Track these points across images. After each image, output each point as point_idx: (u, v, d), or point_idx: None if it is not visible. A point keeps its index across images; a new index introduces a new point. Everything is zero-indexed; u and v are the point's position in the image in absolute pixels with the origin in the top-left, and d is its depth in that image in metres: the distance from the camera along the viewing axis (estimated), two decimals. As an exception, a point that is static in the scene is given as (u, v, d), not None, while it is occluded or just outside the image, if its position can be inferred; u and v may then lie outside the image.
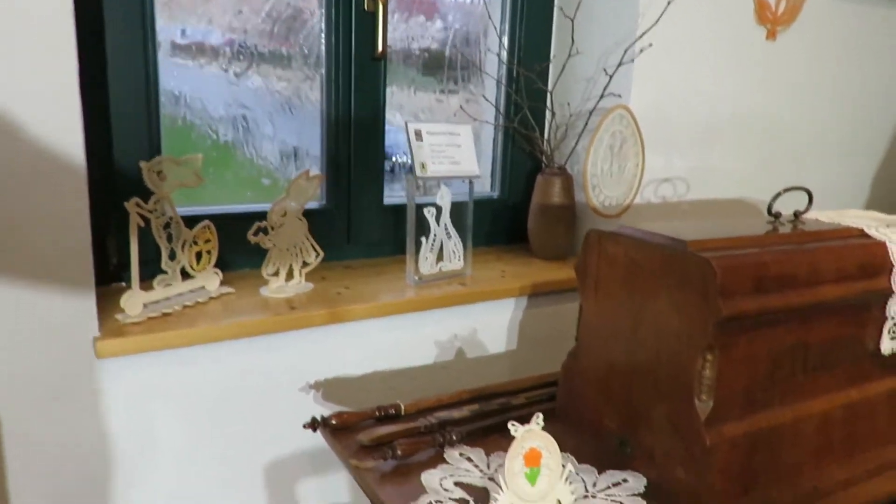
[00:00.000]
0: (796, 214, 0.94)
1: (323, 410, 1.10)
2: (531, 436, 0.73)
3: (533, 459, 0.73)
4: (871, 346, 0.89)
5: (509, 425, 0.72)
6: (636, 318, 0.83)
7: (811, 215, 0.97)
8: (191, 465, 1.04)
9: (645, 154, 1.34)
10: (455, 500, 0.75)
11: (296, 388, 1.09)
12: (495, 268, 1.33)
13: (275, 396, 1.07)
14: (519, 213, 1.49)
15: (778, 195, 0.90)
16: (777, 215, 0.92)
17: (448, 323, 1.21)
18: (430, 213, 1.20)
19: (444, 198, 1.21)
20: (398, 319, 1.16)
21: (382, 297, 1.13)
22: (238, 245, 1.12)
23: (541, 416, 0.73)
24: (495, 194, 1.51)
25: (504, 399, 0.99)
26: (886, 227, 0.93)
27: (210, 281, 1.10)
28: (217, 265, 1.11)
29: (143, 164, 0.97)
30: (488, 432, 0.91)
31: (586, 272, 0.90)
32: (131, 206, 0.95)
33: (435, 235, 1.21)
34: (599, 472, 0.81)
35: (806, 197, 0.93)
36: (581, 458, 0.84)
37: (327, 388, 1.11)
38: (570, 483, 0.74)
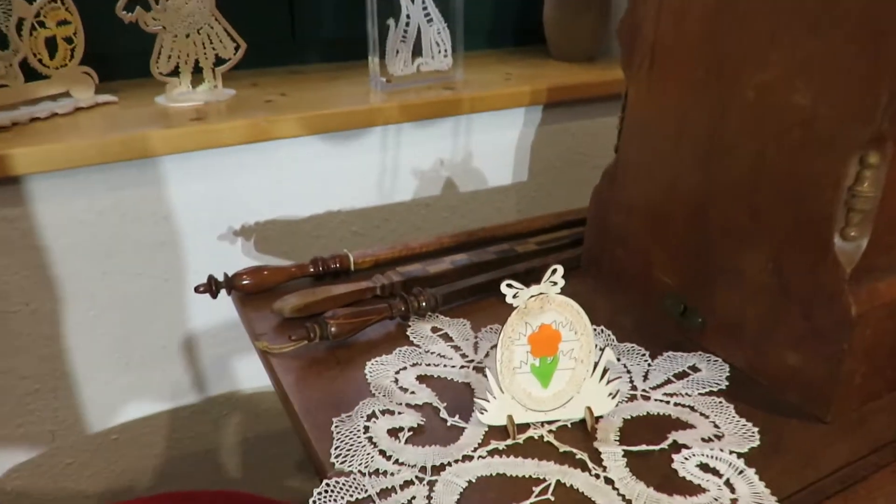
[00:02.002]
0: None
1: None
2: (542, 305, 0.41)
3: (545, 344, 0.42)
4: None
5: (503, 287, 0.41)
6: (723, 102, 0.48)
7: None
8: (64, 341, 0.76)
9: None
10: (415, 407, 0.45)
11: (213, 234, 0.78)
12: (497, 70, 0.96)
13: (181, 247, 0.77)
14: (532, 4, 1.09)
15: None
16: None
17: (431, 144, 0.87)
18: (399, -17, 0.82)
19: (420, -42, 0.83)
20: (358, 138, 0.82)
21: (333, 105, 0.79)
22: (131, 40, 0.76)
23: (559, 269, 0.41)
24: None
25: (505, 245, 0.68)
26: None
27: (78, 85, 0.76)
28: (101, 70, 0.77)
29: None
30: (480, 296, 0.60)
31: (635, 34, 0.54)
32: None
33: (408, 18, 0.84)
34: (652, 357, 0.51)
35: None
36: (623, 334, 0.54)
37: (261, 236, 0.80)
38: (609, 379, 0.44)
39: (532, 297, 0.41)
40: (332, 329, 0.51)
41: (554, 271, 0.41)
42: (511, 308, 0.41)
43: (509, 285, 0.41)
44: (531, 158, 0.94)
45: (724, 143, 0.49)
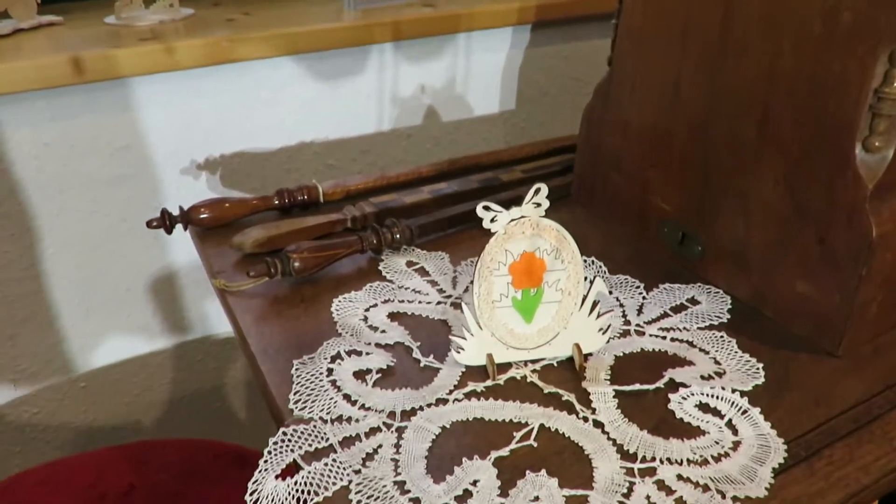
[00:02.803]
0: None
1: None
2: (524, 230, 0.36)
3: (528, 274, 0.37)
4: None
5: (479, 210, 0.36)
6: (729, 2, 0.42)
7: None
8: (20, 285, 0.71)
9: None
10: (385, 347, 0.41)
11: (176, 168, 0.72)
12: (483, -14, 0.89)
13: (140, 182, 0.71)
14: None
15: None
16: None
17: (410, 68, 0.80)
18: None
19: None
20: (331, 61, 0.75)
21: (301, 24, 0.72)
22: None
23: (544, 188, 0.36)
24: None
25: (489, 174, 0.62)
26: None
27: (17, 4, 0.69)
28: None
29: None
30: (460, 227, 0.55)
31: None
32: None
33: (383, -74, 0.76)
34: (647, 289, 0.46)
35: None
36: (616, 265, 0.49)
37: (228, 169, 0.75)
38: (599, 313, 0.39)
39: (512, 220, 0.36)
40: (296, 264, 0.46)
41: (537, 191, 0.36)
42: (490, 234, 0.36)
43: (486, 208, 0.36)
44: (520, 84, 0.88)
45: (733, 44, 0.43)
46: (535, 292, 0.38)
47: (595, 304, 0.39)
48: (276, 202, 0.57)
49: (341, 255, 0.49)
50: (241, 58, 0.68)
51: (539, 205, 0.36)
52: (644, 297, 0.46)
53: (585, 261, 0.49)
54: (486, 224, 0.36)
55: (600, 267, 0.49)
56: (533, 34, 0.86)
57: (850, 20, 0.36)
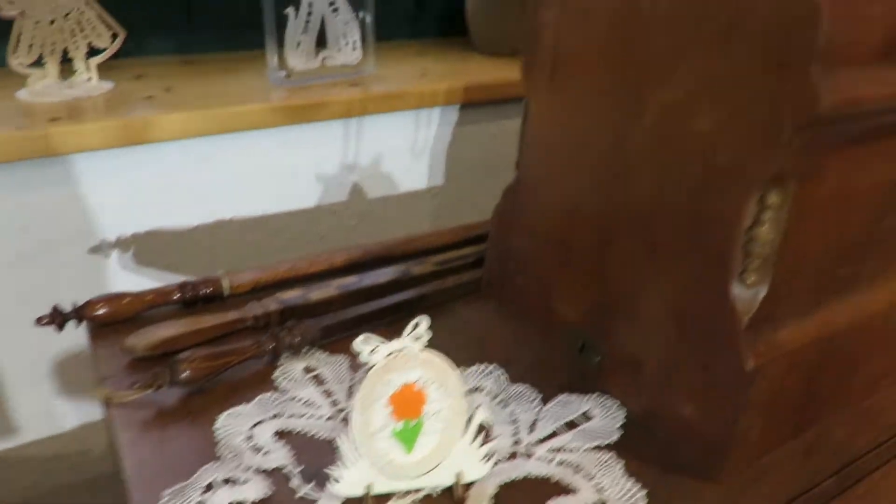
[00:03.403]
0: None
1: (131, 282, 0.72)
2: (404, 362, 0.36)
3: (409, 406, 0.37)
4: None
5: (357, 343, 0.35)
6: (625, 122, 0.43)
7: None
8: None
9: None
10: (265, 473, 0.40)
11: (82, 248, 0.70)
12: (415, 64, 0.90)
13: (42, 263, 0.69)
14: (457, -8, 1.03)
15: None
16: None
17: (336, 146, 0.81)
18: (298, -31, 0.75)
19: (322, -58, 0.76)
20: (254, 138, 0.75)
21: (222, 104, 0.71)
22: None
23: (424, 321, 0.36)
24: (422, -40, 1.03)
25: (402, 267, 0.62)
26: None
27: (-78, 76, 0.67)
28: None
29: None
30: (366, 326, 0.54)
31: (537, 40, 0.49)
32: None
33: (311, 8, 0.77)
34: (545, 400, 0.46)
35: None
36: (518, 371, 0.49)
37: (141, 248, 0.73)
38: (484, 439, 0.39)
39: (391, 355, 0.36)
40: (185, 374, 0.45)
41: (416, 325, 0.36)
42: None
43: (366, 341, 0.35)
44: (448, 161, 0.89)
45: (624, 168, 0.44)
46: (415, 422, 0.37)
47: (481, 428, 0.39)
48: (178, 296, 0.55)
49: (234, 362, 0.47)
50: (158, 139, 0.67)
51: (422, 336, 0.36)
52: (539, 411, 0.45)
53: (486, 369, 0.49)
54: (363, 357, 0.35)
55: (500, 376, 0.49)
56: (461, 113, 0.87)
57: (724, 163, 0.37)
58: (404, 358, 0.36)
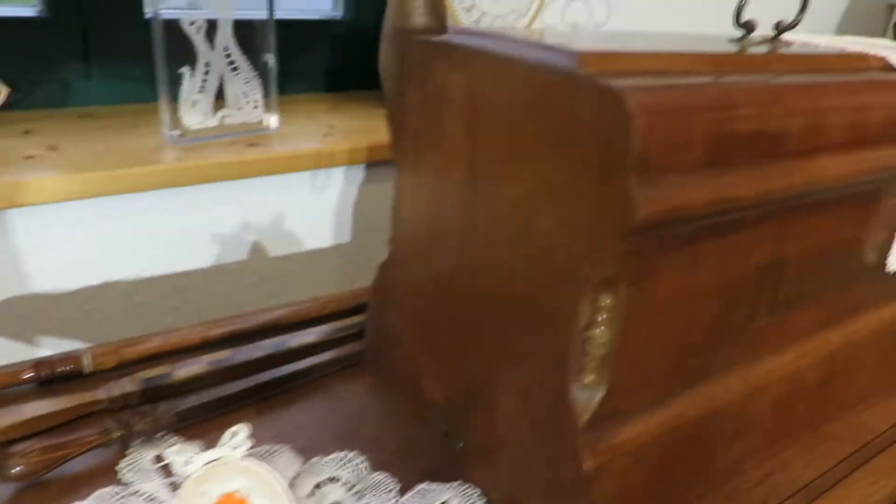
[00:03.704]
0: (779, 29, 0.54)
1: (17, 352, 0.69)
2: (223, 471, 0.34)
3: (230, 516, 0.35)
4: (872, 258, 0.54)
5: (168, 453, 0.33)
6: (477, 211, 0.43)
7: (800, 36, 0.58)
8: None
9: (549, -46, 0.89)
10: (83, 585, 0.37)
11: (-51, 314, 0.66)
12: (321, 122, 0.90)
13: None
14: (374, 43, 1.03)
15: (753, -10, 0.50)
16: (749, 27, 0.52)
17: (233, 206, 0.79)
18: (194, 30, 0.73)
19: (220, 4, 0.75)
20: (145, 198, 0.73)
21: (108, 165, 0.69)
22: None
23: (243, 430, 0.34)
24: (338, 14, 1.04)
25: (281, 338, 0.60)
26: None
27: None
28: None
29: None
30: (233, 406, 0.52)
31: (403, 121, 0.49)
32: None
33: (208, 67, 0.76)
34: (406, 489, 0.45)
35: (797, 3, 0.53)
36: (383, 456, 0.48)
37: (16, 313, 0.69)
38: (321, 544, 0.37)
39: (209, 463, 0.34)
40: (17, 469, 0.42)
41: (237, 430, 0.34)
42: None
43: (180, 452, 0.33)
44: (354, 219, 0.88)
45: (478, 256, 0.44)
46: (240, 533, 0.35)
47: (318, 533, 0.37)
48: (32, 374, 0.52)
49: (74, 454, 0.45)
50: (32, 202, 0.65)
51: (240, 445, 0.34)
52: (396, 500, 0.44)
53: (346, 456, 0.47)
54: (176, 469, 0.33)
55: (358, 464, 0.47)
56: (367, 172, 0.87)
57: (560, 263, 0.37)
58: (223, 467, 0.34)
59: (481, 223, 0.43)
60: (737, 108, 0.36)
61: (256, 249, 0.82)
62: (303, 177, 0.82)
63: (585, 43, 0.40)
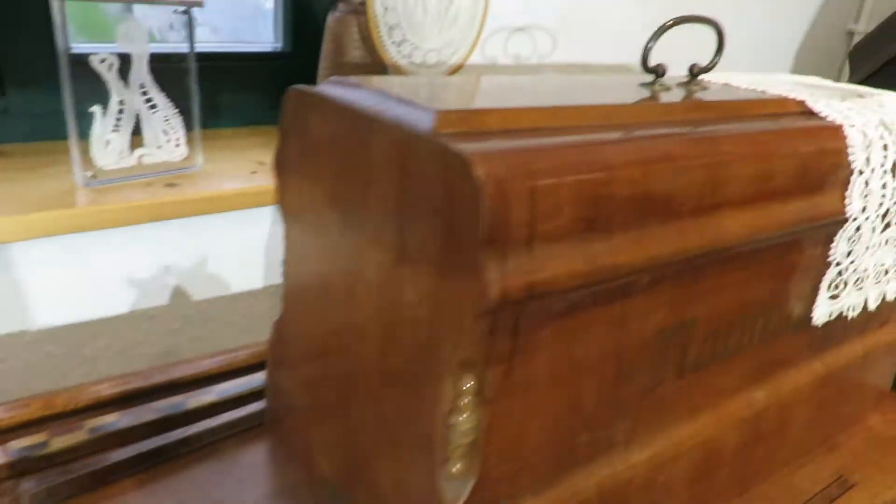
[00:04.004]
0: (694, 72, 0.52)
1: None
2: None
3: None
4: (797, 310, 0.51)
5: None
6: (353, 274, 0.40)
7: (718, 77, 0.56)
8: None
9: (488, -15, 0.87)
10: None
11: None
12: (249, 158, 0.86)
13: None
14: (313, 76, 1.00)
15: (660, 32, 0.47)
16: (659, 72, 0.49)
17: (152, 249, 0.75)
18: (105, 67, 0.70)
19: (132, 39, 0.72)
20: (56, 242, 0.69)
21: (11, 210, 0.66)
22: None
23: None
24: (278, 46, 1.01)
25: (178, 398, 0.56)
26: (842, 101, 0.52)
27: None
28: None
29: None
30: (114, 477, 0.48)
31: (286, 170, 0.46)
32: None
33: (122, 105, 0.73)
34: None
35: (714, 39, 0.51)
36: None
37: None
38: None
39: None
40: None
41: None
42: None
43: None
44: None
45: (357, 323, 0.40)
46: None
47: None
48: None
49: (-87, 545, 0.41)
50: (-81, 251, 0.61)
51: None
52: None
53: (222, 539, 0.43)
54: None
55: (235, 548, 0.43)
56: (298, 211, 0.83)
57: (424, 339, 0.34)
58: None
59: (359, 288, 0.40)
60: (613, 170, 0.33)
61: (178, 293, 0.78)
62: (227, 216, 0.78)
63: (455, 97, 0.37)
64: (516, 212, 0.30)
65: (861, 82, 1.31)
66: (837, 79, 1.45)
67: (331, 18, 0.90)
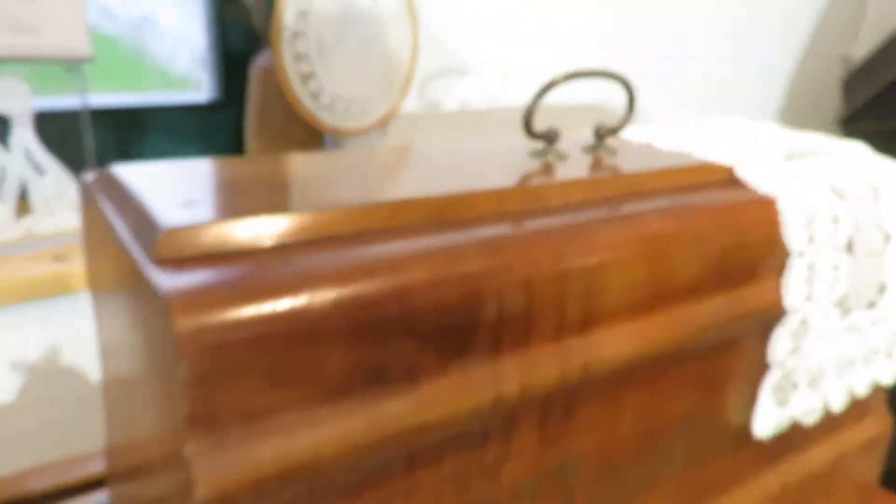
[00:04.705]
0: (600, 134, 0.43)
1: None
2: None
3: None
4: (735, 422, 0.41)
5: None
6: (129, 389, 0.32)
7: (643, 133, 0.47)
8: None
9: (417, 25, 0.80)
10: None
11: None
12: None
13: None
14: (240, 128, 0.93)
15: (546, 89, 0.38)
16: (549, 137, 0.40)
17: (41, 328, 0.68)
18: (-19, 130, 0.64)
19: (10, 98, 0.65)
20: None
21: None
22: None
23: None
24: (206, 96, 0.94)
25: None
26: (788, 160, 0.43)
27: None
28: None
29: None
30: None
31: (90, 257, 0.38)
32: None
33: (3, 171, 0.66)
34: None
35: (623, 97, 0.42)
36: None
37: None
38: None
39: None
40: None
41: None
42: None
43: None
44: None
45: (132, 434, 0.32)
46: None
47: None
48: None
49: None
50: None
51: None
52: None
53: None
54: None
55: None
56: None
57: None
58: None
59: (129, 402, 0.31)
60: (406, 294, 0.24)
61: (72, 376, 0.71)
62: (128, 289, 0.71)
63: (225, 197, 0.29)
64: (244, 373, 0.21)
65: (857, 109, 1.21)
66: (835, 106, 1.36)
67: (254, 66, 0.83)
